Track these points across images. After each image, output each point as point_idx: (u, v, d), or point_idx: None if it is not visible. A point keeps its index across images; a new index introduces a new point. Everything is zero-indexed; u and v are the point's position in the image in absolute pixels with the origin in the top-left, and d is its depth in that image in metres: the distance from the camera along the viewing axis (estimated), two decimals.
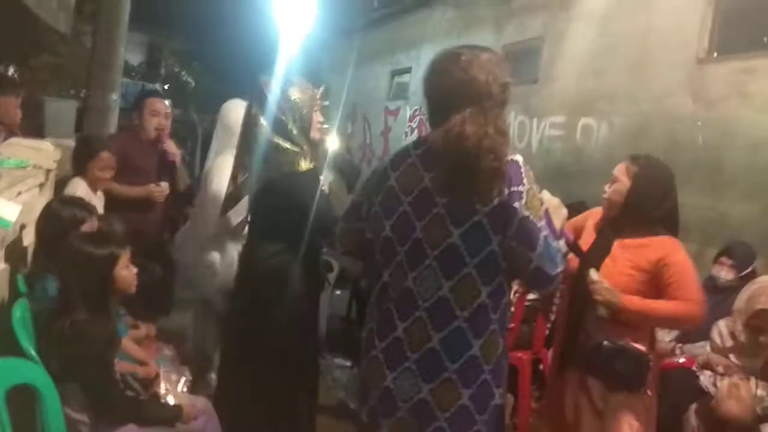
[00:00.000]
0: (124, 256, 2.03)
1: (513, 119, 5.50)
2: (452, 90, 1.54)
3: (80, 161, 3.06)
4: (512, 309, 3.34)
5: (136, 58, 9.93)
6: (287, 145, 2.11)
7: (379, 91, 8.30)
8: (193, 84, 11.22)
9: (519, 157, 1.53)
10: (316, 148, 2.23)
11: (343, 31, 8.15)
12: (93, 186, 3.03)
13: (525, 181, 1.50)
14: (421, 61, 7.40)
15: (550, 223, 1.54)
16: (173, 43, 11.79)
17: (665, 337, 2.93)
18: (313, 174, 2.16)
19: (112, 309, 2.07)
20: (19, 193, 2.44)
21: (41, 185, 2.83)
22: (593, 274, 1.98)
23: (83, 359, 1.82)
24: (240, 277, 2.27)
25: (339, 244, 1.83)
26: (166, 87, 8.92)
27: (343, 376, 3.75)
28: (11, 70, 4.34)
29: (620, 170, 2.06)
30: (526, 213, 1.48)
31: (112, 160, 3.10)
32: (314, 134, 2.19)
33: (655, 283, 1.96)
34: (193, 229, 3.08)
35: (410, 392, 1.56)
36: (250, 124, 2.19)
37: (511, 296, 1.82)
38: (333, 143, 2.79)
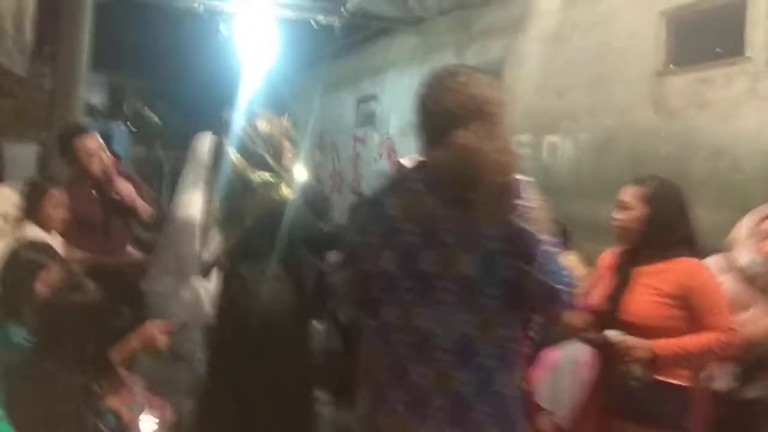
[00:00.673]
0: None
1: None
2: (454, 106, 1.48)
3: (30, 203, 2.95)
4: None
5: (98, 99, 9.79)
6: (268, 176, 2.14)
7: (345, 118, 8.33)
8: (158, 121, 11.10)
9: (524, 177, 1.50)
10: (289, 173, 2.25)
11: (307, 62, 8.18)
12: (46, 227, 2.93)
13: (524, 195, 1.47)
14: (386, 87, 7.46)
15: (552, 242, 1.48)
16: (136, 82, 11.69)
17: None
18: (299, 199, 2.21)
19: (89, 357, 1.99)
20: None
21: (5, 231, 2.74)
22: (612, 335, 1.89)
23: (58, 414, 1.74)
24: (237, 307, 2.24)
25: (350, 299, 1.66)
26: (129, 125, 8.81)
27: (327, 414, 3.64)
28: None
29: (630, 195, 2.01)
30: (525, 225, 1.43)
31: (63, 199, 2.99)
32: (286, 160, 2.22)
33: (685, 307, 1.91)
34: (165, 261, 3.02)
35: None
36: (220, 158, 2.20)
37: None
38: (301, 174, 2.78)
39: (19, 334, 1.98)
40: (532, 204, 1.45)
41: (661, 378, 1.92)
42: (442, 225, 1.45)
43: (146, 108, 11.43)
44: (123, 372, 2.60)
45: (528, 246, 1.42)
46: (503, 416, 1.46)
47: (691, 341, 1.89)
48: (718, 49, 3.76)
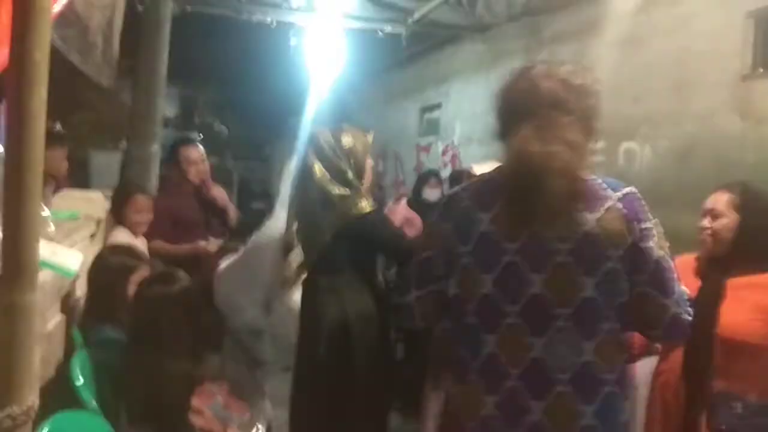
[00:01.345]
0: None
1: None
2: (516, 100, 1.40)
3: (117, 208, 3.10)
4: None
5: (171, 110, 10.22)
6: (346, 191, 2.15)
7: (409, 128, 8.33)
8: (227, 132, 11.48)
9: (634, 188, 1.37)
10: (369, 191, 2.26)
11: (372, 72, 8.25)
12: (133, 231, 3.05)
13: (649, 215, 1.35)
14: (450, 96, 7.42)
15: (673, 268, 1.38)
16: (206, 94, 12.14)
17: None
18: (379, 212, 2.21)
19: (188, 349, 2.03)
20: (74, 244, 2.47)
21: (92, 235, 2.87)
22: None
23: (161, 404, 1.78)
24: (318, 318, 2.26)
25: (418, 319, 1.51)
26: (200, 136, 9.14)
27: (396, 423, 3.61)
28: (57, 126, 4.48)
29: (721, 203, 1.92)
30: (659, 253, 1.32)
31: (148, 204, 3.12)
32: (367, 178, 2.23)
33: None
34: (248, 272, 3.09)
35: None
36: (306, 171, 2.22)
37: None
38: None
39: (114, 334, 2.05)
40: (649, 223, 1.34)
41: (750, 397, 1.80)
42: (553, 244, 1.31)
43: (216, 119, 11.85)
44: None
45: (665, 276, 1.32)
46: None
47: None
48: None
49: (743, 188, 1.92)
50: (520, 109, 1.39)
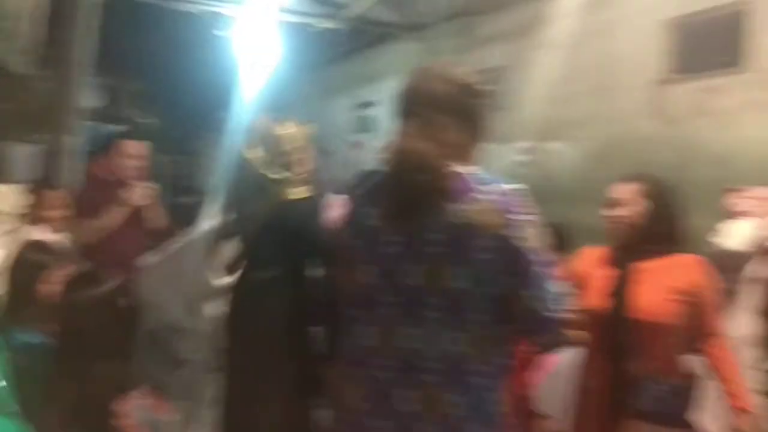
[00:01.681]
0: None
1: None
2: (406, 99, 1.43)
3: (31, 204, 2.98)
4: None
5: (95, 102, 9.76)
6: (282, 175, 2.12)
7: (343, 124, 8.34)
8: (153, 125, 11.09)
9: (516, 185, 1.37)
10: (307, 181, 2.23)
11: (306, 67, 8.19)
12: (47, 227, 2.92)
13: (522, 209, 1.34)
14: (384, 94, 7.47)
15: (548, 261, 1.37)
16: (132, 85, 11.66)
17: None
18: (313, 201, 2.17)
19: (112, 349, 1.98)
20: None
21: (10, 231, 2.72)
22: None
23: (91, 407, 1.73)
24: (241, 311, 2.23)
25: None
26: (125, 129, 8.79)
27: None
28: None
29: (629, 192, 1.98)
30: (521, 245, 1.31)
31: (62, 200, 3.00)
32: (304, 167, 2.21)
33: (692, 305, 1.90)
34: (173, 269, 3.01)
35: None
36: (240, 159, 2.18)
37: None
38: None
39: (34, 338, 1.96)
40: (526, 217, 1.33)
41: (669, 377, 1.93)
42: (430, 236, 1.34)
43: (142, 111, 11.42)
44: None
45: (523, 268, 1.32)
46: None
47: (738, 371, 1.93)
48: (721, 58, 3.80)
49: (650, 177, 2.02)
50: (407, 108, 1.43)
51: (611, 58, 4.42)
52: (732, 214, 2.80)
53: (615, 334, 1.96)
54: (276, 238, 2.11)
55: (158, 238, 3.53)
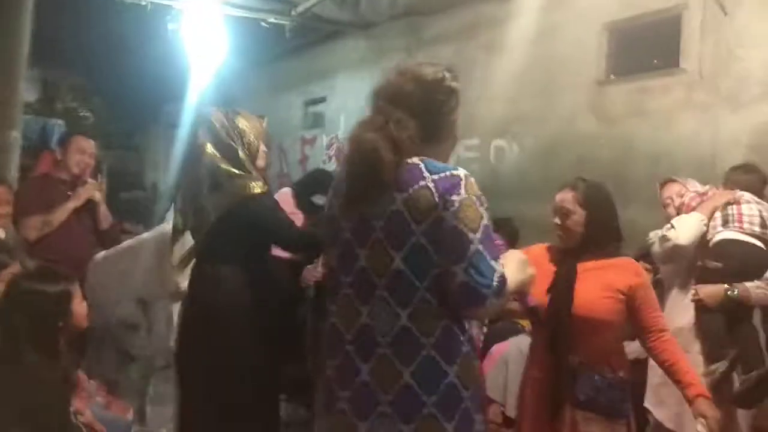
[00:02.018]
0: (77, 291, 1.96)
1: None
2: (372, 93, 1.54)
3: None
4: None
5: (31, 95, 9.35)
6: (237, 171, 2.11)
7: (293, 120, 8.30)
8: (92, 119, 10.71)
9: (461, 171, 1.46)
10: (261, 175, 2.23)
11: (254, 62, 8.11)
12: None
13: (462, 191, 1.41)
14: (335, 90, 7.49)
15: (489, 241, 1.43)
16: (71, 78, 11.23)
17: None
18: (270, 196, 2.18)
19: (63, 348, 1.96)
20: None
21: None
22: (702, 429, 1.92)
23: (40, 406, 1.71)
24: (195, 307, 2.21)
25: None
26: (62, 123, 8.44)
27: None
28: None
29: (568, 201, 2.10)
30: (455, 222, 1.39)
31: (7, 194, 2.92)
32: (260, 162, 2.21)
33: (628, 303, 2.04)
34: (124, 264, 2.98)
35: None
36: (196, 152, 2.16)
37: None
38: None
39: None
40: (462, 196, 1.40)
41: (606, 369, 2.04)
42: (371, 222, 1.46)
43: (81, 105, 11.02)
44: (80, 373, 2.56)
45: (455, 244, 1.40)
46: (457, 412, 1.44)
47: (686, 360, 2.04)
48: (655, 61, 4.02)
49: (585, 186, 2.13)
50: (371, 101, 1.55)
51: (554, 60, 4.59)
52: (666, 207, 2.96)
53: (556, 328, 2.07)
54: (237, 235, 2.11)
55: (102, 236, 3.47)
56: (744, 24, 3.44)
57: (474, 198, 1.43)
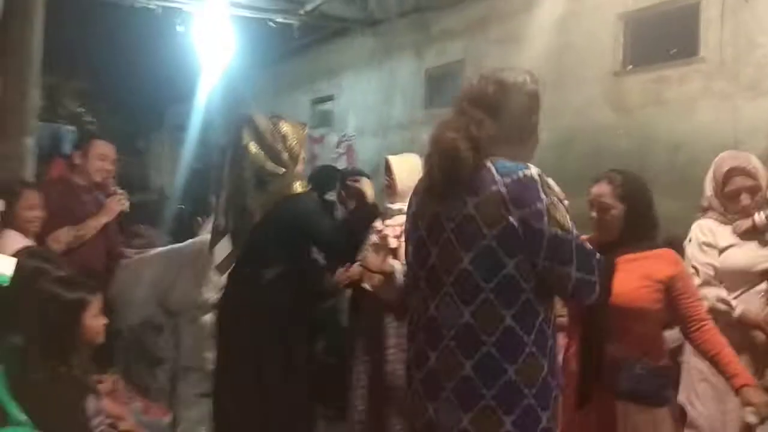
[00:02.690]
0: (95, 303, 1.94)
1: None
2: (459, 96, 1.59)
3: (6, 208, 2.84)
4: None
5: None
6: (281, 169, 2.14)
7: (300, 118, 8.22)
8: (96, 124, 10.72)
9: (533, 170, 1.47)
10: (303, 177, 2.26)
11: (263, 62, 8.10)
12: (24, 231, 2.81)
13: (543, 196, 1.44)
14: (342, 88, 7.49)
15: (571, 236, 1.48)
16: (74, 82, 11.23)
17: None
18: (312, 195, 2.20)
19: (80, 360, 1.95)
20: None
21: None
22: (750, 417, 1.90)
23: (58, 415, 1.71)
24: (235, 308, 2.22)
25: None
26: (73, 129, 8.45)
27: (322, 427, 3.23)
28: None
29: (607, 195, 2.07)
30: (553, 230, 1.44)
31: (38, 198, 2.89)
32: (300, 167, 2.23)
33: (668, 293, 2.03)
34: (153, 270, 2.98)
35: (451, 422, 1.51)
36: (240, 152, 2.18)
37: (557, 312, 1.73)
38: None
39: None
40: (546, 201, 1.43)
41: (646, 359, 2.04)
42: (443, 222, 1.52)
43: (85, 109, 11.03)
44: (116, 378, 2.56)
45: (558, 248, 1.45)
46: (518, 407, 1.48)
47: (729, 350, 2.00)
48: (673, 50, 4.01)
49: (624, 179, 2.10)
50: (454, 102, 1.61)
51: (569, 52, 4.58)
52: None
53: (595, 319, 2.06)
54: (281, 233, 2.13)
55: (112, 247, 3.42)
56: (765, 10, 3.43)
57: (554, 198, 1.47)
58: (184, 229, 6.54)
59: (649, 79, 4.10)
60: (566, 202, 1.55)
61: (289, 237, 2.16)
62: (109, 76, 9.99)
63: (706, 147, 3.73)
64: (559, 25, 4.65)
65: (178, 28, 6.01)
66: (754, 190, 2.52)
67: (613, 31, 4.30)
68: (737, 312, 2.45)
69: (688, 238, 2.68)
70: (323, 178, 3.84)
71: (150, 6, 5.66)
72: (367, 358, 2.36)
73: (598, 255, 1.56)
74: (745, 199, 2.52)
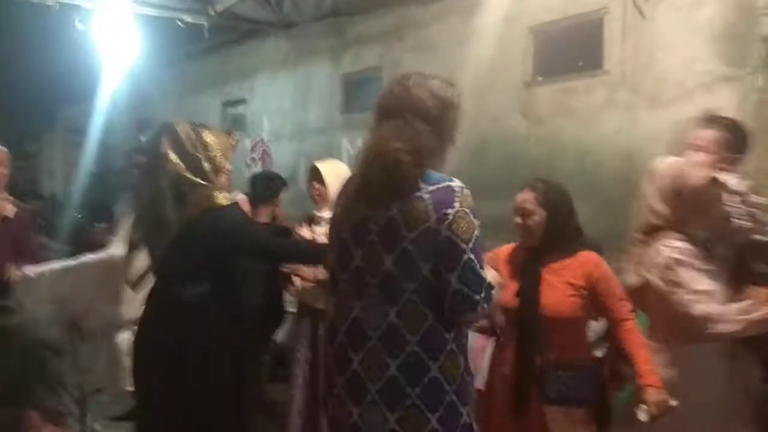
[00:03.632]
0: None
1: (354, 146, 5.73)
2: (389, 102, 1.62)
3: None
4: None
5: None
6: (202, 181, 2.03)
7: (211, 121, 7.99)
8: None
9: (455, 182, 1.55)
10: (223, 190, 2.14)
11: (170, 62, 7.76)
12: None
13: (456, 204, 1.50)
14: (255, 91, 7.32)
15: (479, 251, 1.54)
16: None
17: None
18: (237, 207, 2.10)
19: None
20: None
21: None
22: (641, 415, 1.97)
23: None
24: (156, 323, 2.07)
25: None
26: None
27: None
28: None
29: (529, 201, 2.17)
30: (451, 236, 1.49)
31: None
32: (222, 179, 2.12)
33: (590, 295, 2.13)
34: (59, 287, 2.76)
35: (378, 424, 1.53)
36: (157, 161, 2.04)
37: None
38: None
39: None
40: (456, 208, 1.49)
41: (572, 365, 2.12)
42: (368, 226, 1.55)
43: None
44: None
45: (449, 253, 1.50)
46: (441, 404, 1.53)
47: (647, 353, 2.08)
48: (580, 63, 4.24)
49: (546, 187, 2.21)
50: (389, 110, 1.62)
51: (482, 62, 4.71)
52: None
53: (523, 328, 2.16)
54: (205, 249, 2.01)
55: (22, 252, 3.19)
56: (662, 27, 3.70)
57: (467, 210, 1.52)
58: (81, 238, 6.13)
59: (558, 89, 4.31)
60: (477, 222, 1.55)
61: (214, 253, 2.04)
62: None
63: (610, 154, 3.99)
64: (473, 35, 4.79)
65: (78, 26, 5.64)
66: None
67: (524, 43, 4.49)
68: None
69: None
70: (270, 185, 3.69)
71: (47, 2, 5.27)
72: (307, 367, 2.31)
73: (488, 281, 1.57)
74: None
